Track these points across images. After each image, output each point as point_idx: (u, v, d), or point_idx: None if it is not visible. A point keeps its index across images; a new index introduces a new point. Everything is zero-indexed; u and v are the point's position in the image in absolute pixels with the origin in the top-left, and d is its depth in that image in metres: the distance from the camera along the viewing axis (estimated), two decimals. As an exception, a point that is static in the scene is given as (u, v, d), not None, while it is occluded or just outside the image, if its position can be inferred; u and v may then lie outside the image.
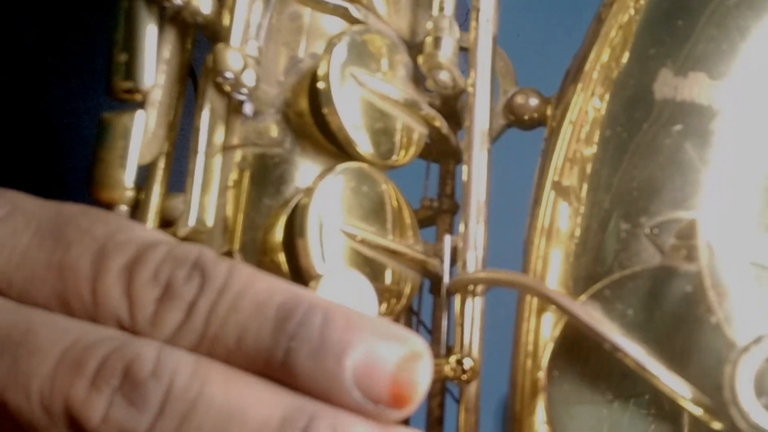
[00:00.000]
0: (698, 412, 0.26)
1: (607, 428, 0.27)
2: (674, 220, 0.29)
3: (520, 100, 0.37)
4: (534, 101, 0.37)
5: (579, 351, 0.28)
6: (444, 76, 0.33)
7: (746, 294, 0.26)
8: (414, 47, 0.35)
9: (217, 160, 0.31)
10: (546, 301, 0.29)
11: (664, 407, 0.27)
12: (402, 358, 0.25)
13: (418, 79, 0.35)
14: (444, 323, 0.34)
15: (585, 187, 0.31)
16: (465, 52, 0.36)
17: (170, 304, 0.25)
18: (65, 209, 0.26)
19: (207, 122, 0.31)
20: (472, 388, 0.32)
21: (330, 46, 0.31)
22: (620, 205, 0.30)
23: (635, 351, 0.27)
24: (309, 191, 0.30)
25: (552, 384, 0.28)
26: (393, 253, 0.32)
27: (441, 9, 0.34)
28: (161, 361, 0.24)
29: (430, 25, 0.33)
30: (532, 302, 0.32)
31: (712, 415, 0.26)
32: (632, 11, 0.33)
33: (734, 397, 0.25)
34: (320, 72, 0.31)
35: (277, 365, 0.24)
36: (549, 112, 0.37)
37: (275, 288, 0.25)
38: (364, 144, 0.32)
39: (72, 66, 0.41)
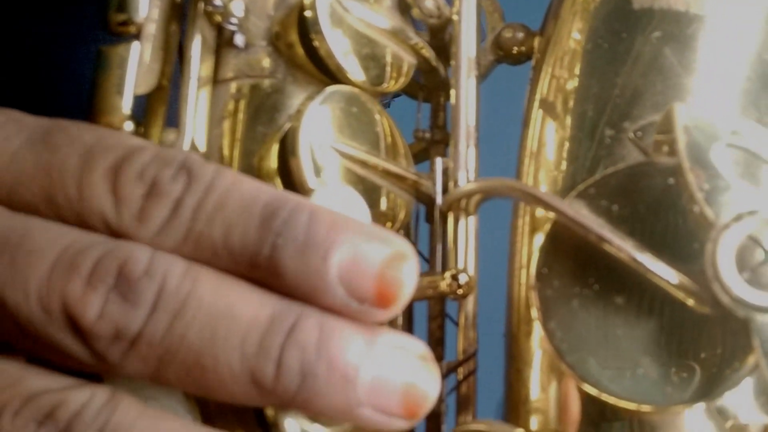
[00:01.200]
0: (684, 296, 0.27)
1: (595, 321, 0.28)
2: (656, 122, 0.30)
3: (507, 34, 0.38)
4: (520, 35, 0.38)
5: (567, 248, 0.29)
6: (429, 4, 0.34)
7: (725, 175, 0.26)
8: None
9: (210, 92, 0.32)
10: (533, 201, 0.30)
11: (650, 298, 0.28)
12: (387, 257, 0.26)
13: (406, 12, 0.36)
14: (440, 248, 0.35)
15: (571, 100, 0.32)
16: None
17: (156, 200, 0.25)
18: (59, 121, 0.27)
19: (198, 51, 0.32)
20: (470, 303, 0.33)
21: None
22: (604, 112, 0.31)
23: (621, 242, 0.27)
24: (299, 113, 0.31)
25: (542, 281, 0.29)
26: (386, 173, 0.33)
27: (423, -56, 0.35)
28: (153, 261, 0.25)
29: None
30: (526, 217, 0.33)
31: (698, 299, 0.27)
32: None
33: (716, 272, 0.25)
34: (307, 0, 0.32)
35: (262, 263, 0.25)
36: (536, 44, 0.38)
37: (261, 188, 0.26)
38: (353, 70, 0.33)
39: (70, 10, 0.42)
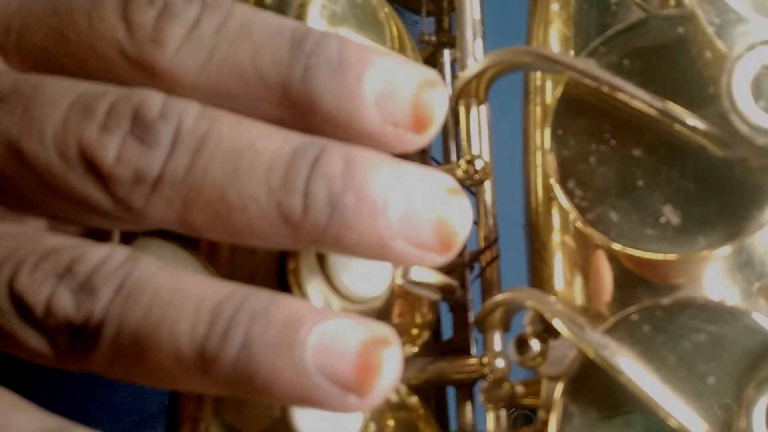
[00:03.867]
0: (703, 139, 0.27)
1: (614, 175, 0.28)
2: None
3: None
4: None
5: (581, 106, 0.29)
6: None
7: (736, 8, 0.26)
8: None
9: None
10: (543, 62, 0.30)
11: (668, 146, 0.28)
12: (421, 81, 0.25)
13: None
14: (453, 144, 0.35)
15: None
16: None
17: (171, 20, 0.25)
18: None
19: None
20: (488, 191, 0.33)
21: None
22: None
23: (636, 90, 0.27)
24: (302, 6, 0.31)
25: (557, 142, 0.29)
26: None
27: None
28: (168, 104, 0.24)
29: None
30: (536, 100, 0.33)
31: (717, 141, 0.27)
32: None
33: (732, 102, 0.25)
34: None
35: (295, 86, 0.24)
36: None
37: (284, 18, 0.26)
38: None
39: None
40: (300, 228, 0.24)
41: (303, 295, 0.27)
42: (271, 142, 0.24)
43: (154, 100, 0.24)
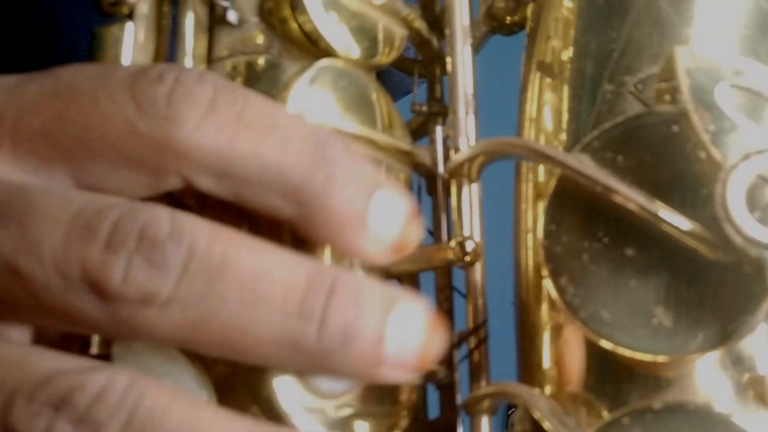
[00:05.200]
0: (695, 243, 0.27)
1: (606, 274, 0.28)
2: (656, 75, 0.30)
3: (499, 4, 0.38)
4: (512, 3, 0.38)
5: (574, 202, 0.28)
6: None
7: (731, 115, 0.26)
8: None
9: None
10: (538, 158, 0.29)
11: (661, 247, 0.28)
12: (408, 215, 0.28)
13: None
14: (444, 219, 0.35)
15: (567, 59, 0.32)
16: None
17: (185, 98, 0.25)
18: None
19: (191, 30, 0.31)
20: (477, 272, 0.33)
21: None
22: (602, 68, 0.31)
23: (629, 191, 0.27)
24: (286, 88, 0.31)
25: (550, 238, 0.28)
26: (383, 148, 0.32)
27: None
28: (176, 223, 0.24)
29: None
30: (529, 182, 0.33)
31: (710, 244, 0.27)
32: None
33: (727, 213, 0.25)
34: None
35: (314, 189, 0.26)
36: (529, 12, 0.37)
37: (302, 117, 0.28)
38: (343, 45, 0.32)
39: None
40: (307, 353, 0.24)
41: (270, 392, 0.27)
42: (286, 270, 0.25)
43: (161, 218, 0.24)
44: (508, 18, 0.38)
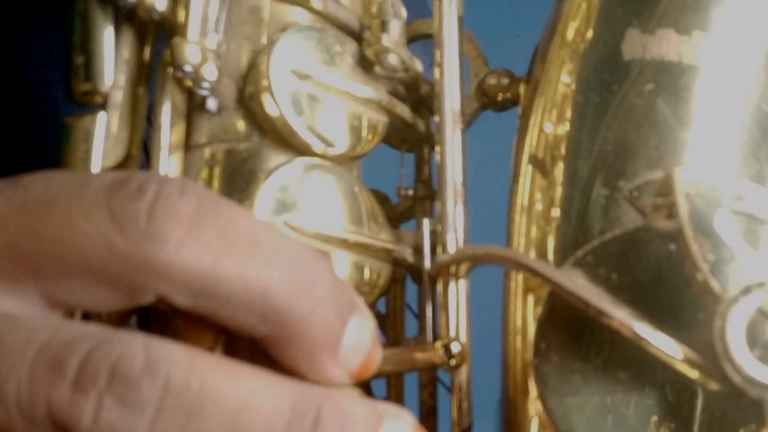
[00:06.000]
0: (690, 371, 0.26)
1: (598, 398, 0.27)
2: (653, 181, 0.28)
3: (491, 81, 0.37)
4: (505, 81, 0.36)
5: (566, 320, 0.27)
6: (393, 59, 0.32)
7: (730, 244, 0.25)
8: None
9: (182, 158, 0.31)
10: (527, 271, 0.28)
11: (655, 373, 0.26)
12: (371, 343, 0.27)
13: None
14: (430, 312, 0.33)
15: (561, 156, 0.31)
16: (428, 40, 0.36)
17: (167, 215, 0.23)
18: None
19: (168, 118, 0.30)
20: (463, 374, 0.31)
21: (272, 41, 0.31)
22: (597, 170, 0.30)
23: (621, 314, 0.26)
24: (251, 194, 0.30)
25: (540, 356, 0.27)
26: (359, 247, 0.31)
27: (386, -11, 0.33)
28: (151, 355, 0.22)
29: (374, 9, 0.33)
30: (518, 278, 0.31)
31: (706, 375, 0.25)
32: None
33: (726, 350, 0.24)
34: (261, 71, 0.30)
35: (296, 312, 0.25)
36: (521, 90, 0.36)
37: (286, 235, 0.27)
38: (319, 142, 0.31)
39: (52, 57, 0.40)
40: None
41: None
42: (267, 398, 0.23)
43: (134, 350, 0.22)
44: (500, 95, 0.36)
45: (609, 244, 0.27)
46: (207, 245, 0.24)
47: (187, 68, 0.29)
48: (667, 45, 0.29)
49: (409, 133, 0.35)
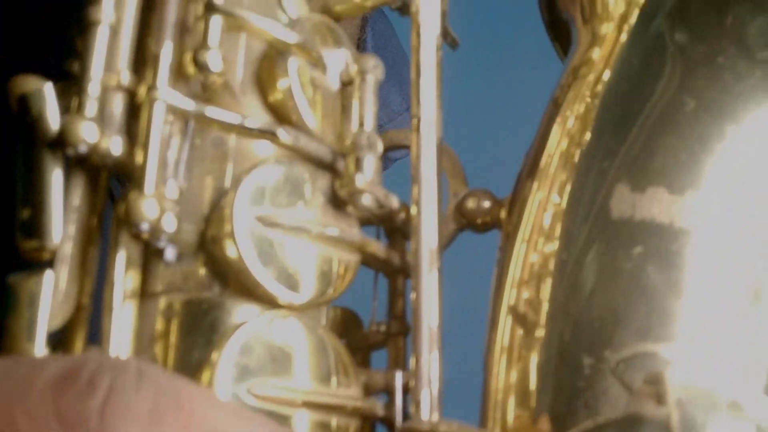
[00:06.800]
0: None
1: None
2: (641, 355, 0.27)
3: (471, 204, 0.35)
4: (486, 204, 0.35)
5: None
6: (367, 200, 0.30)
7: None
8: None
9: (137, 308, 0.28)
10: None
11: None
12: None
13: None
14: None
15: (543, 314, 0.29)
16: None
17: (122, 412, 0.22)
18: None
19: (122, 267, 0.28)
20: None
21: (236, 182, 0.29)
22: (582, 336, 0.28)
23: None
24: (211, 359, 0.27)
25: None
26: (318, 407, 0.29)
27: (361, 124, 0.31)
28: None
29: (348, 143, 0.31)
30: (497, 403, 0.29)
31: None
32: (588, 99, 0.31)
33: None
34: (225, 216, 0.28)
35: None
36: (503, 215, 0.34)
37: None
38: (284, 291, 0.29)
39: None
40: None
41: None
42: None
43: None
44: (480, 219, 0.35)
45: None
46: None
47: (144, 226, 0.27)
48: (658, 206, 0.28)
49: (384, 267, 0.33)
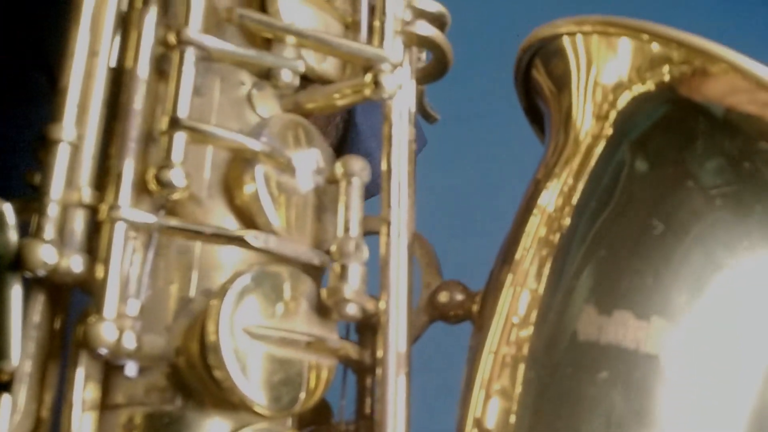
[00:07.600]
0: None
1: None
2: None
3: (443, 298, 0.34)
4: (459, 297, 0.34)
5: None
6: (352, 310, 0.30)
7: None
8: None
9: (96, 420, 0.28)
10: None
11: None
12: None
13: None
14: None
15: (508, 432, 0.29)
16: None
17: None
18: None
19: (82, 380, 0.27)
20: None
21: (222, 292, 0.28)
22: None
23: None
24: None
25: None
26: None
27: (346, 230, 0.31)
28: None
29: (334, 248, 0.30)
30: None
31: None
32: (560, 203, 0.31)
33: None
34: (209, 331, 0.28)
35: None
36: (475, 308, 0.34)
37: None
38: (263, 401, 0.28)
39: None
40: None
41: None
42: None
43: None
44: (452, 312, 0.34)
45: None
46: None
47: (103, 351, 0.26)
48: (624, 330, 0.27)
49: (356, 366, 0.33)
